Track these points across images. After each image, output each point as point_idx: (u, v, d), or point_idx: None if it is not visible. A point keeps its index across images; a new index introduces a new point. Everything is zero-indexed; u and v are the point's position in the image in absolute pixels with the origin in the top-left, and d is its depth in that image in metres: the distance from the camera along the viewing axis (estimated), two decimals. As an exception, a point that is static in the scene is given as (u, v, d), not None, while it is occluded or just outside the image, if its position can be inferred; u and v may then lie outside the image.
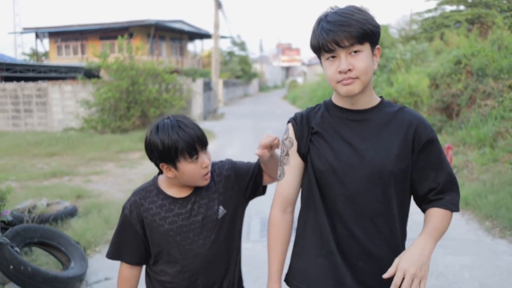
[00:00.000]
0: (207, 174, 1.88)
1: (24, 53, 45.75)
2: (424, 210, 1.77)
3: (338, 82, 1.65)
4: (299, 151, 1.80)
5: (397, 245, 1.75)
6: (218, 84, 24.28)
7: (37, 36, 38.71)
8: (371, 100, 1.74)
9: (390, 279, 1.62)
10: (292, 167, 1.81)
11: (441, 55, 15.97)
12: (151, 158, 1.88)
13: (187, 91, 16.48)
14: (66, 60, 37.48)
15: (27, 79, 18.71)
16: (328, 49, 1.62)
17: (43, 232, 4.21)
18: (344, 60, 1.62)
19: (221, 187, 1.98)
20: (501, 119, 9.28)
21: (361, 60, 1.63)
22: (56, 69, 22.74)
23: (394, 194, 1.70)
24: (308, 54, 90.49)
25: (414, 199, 1.80)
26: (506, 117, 9.05)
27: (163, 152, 1.80)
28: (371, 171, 1.67)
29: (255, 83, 51.73)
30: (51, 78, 21.47)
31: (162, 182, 1.94)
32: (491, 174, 6.96)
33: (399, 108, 1.76)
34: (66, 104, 15.91)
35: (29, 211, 5.19)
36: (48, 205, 5.62)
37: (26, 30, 39.13)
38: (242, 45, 46.91)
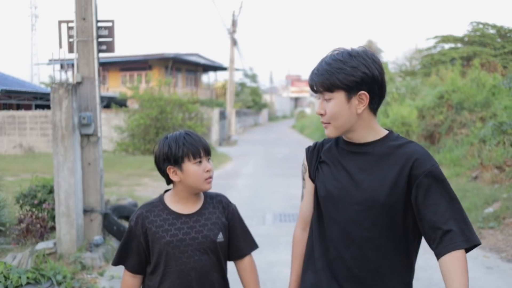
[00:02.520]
0: (209, 178, 2.02)
1: (42, 82, 48.42)
2: (436, 253, 1.68)
3: (321, 121, 1.82)
4: (310, 176, 1.93)
5: (391, 276, 1.76)
6: (232, 114, 26.52)
7: (61, 67, 41.11)
8: (371, 135, 1.79)
9: None
10: (308, 191, 1.95)
11: (431, 90, 18.02)
12: (158, 164, 2.03)
13: (207, 119, 18.73)
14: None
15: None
16: (313, 91, 1.79)
17: (129, 209, 6.31)
18: (320, 104, 1.79)
19: (223, 218, 2.10)
20: (470, 145, 11.29)
21: (329, 106, 1.74)
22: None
23: (385, 225, 1.73)
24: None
25: (424, 237, 1.74)
26: (473, 143, 11.05)
27: (170, 154, 1.98)
28: (363, 200, 1.73)
29: (265, 113, 54.08)
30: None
31: (168, 199, 2.07)
32: (452, 185, 8.94)
33: (405, 142, 1.78)
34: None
35: (106, 203, 7.26)
36: (117, 200, 7.68)
37: (52, 61, 41.62)
38: (253, 77, 49.46)
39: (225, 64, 39.47)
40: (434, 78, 24.09)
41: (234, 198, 8.69)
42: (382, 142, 1.79)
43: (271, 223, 7.48)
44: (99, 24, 5.79)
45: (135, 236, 2.02)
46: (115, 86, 37.66)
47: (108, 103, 20.04)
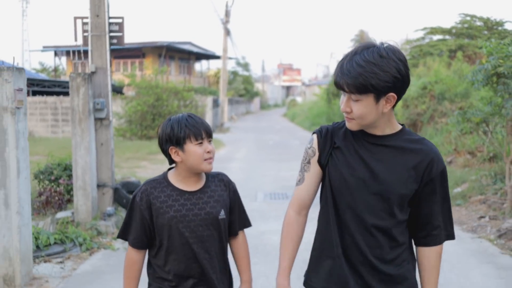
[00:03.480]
0: (209, 159, 2.07)
1: (34, 69, 48.76)
2: (419, 241, 1.91)
3: (345, 116, 1.83)
4: (319, 161, 1.92)
5: (400, 261, 1.87)
6: (224, 102, 27.26)
7: (55, 54, 41.58)
8: (389, 128, 1.85)
9: (392, 283, 1.86)
10: (312, 175, 1.94)
11: (416, 81, 18.85)
12: (161, 145, 2.10)
13: (201, 107, 19.47)
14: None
15: (52, 93, 21.59)
16: (338, 88, 1.80)
17: (136, 185, 7.07)
18: (345, 102, 1.79)
19: (226, 196, 2.17)
20: (447, 133, 12.11)
21: (357, 107, 1.76)
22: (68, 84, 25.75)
23: (396, 215, 1.82)
24: (308, 75, 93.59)
25: (411, 225, 1.90)
26: (450, 131, 11.88)
27: (172, 135, 2.04)
28: (381, 190, 1.79)
29: (256, 101, 54.80)
30: (66, 94, 24.43)
31: (172, 176, 2.13)
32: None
33: (419, 138, 1.86)
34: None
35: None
36: (122, 178, 8.42)
37: (46, 48, 42.03)
38: (245, 66, 50.07)
39: (218, 52, 40.08)
40: (422, 69, 24.90)
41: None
42: (398, 135, 1.85)
43: (262, 200, 8.27)
44: (111, 21, 6.50)
45: (139, 211, 2.07)
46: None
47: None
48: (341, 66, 1.76)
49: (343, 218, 1.86)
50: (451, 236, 1.91)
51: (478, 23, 27.76)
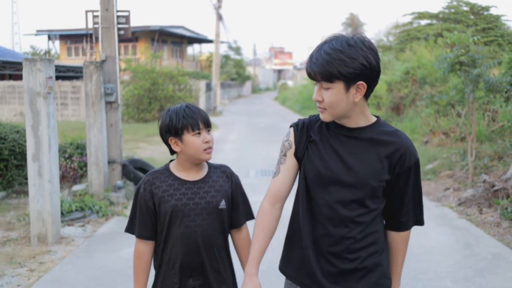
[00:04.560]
0: (208, 149, 2.11)
1: (26, 53, 49.00)
2: (389, 224, 1.97)
3: (318, 106, 1.86)
4: (296, 154, 1.94)
5: (373, 250, 1.89)
6: (217, 86, 27.99)
7: (49, 38, 41.88)
8: (363, 121, 1.86)
9: (364, 272, 1.89)
10: (287, 167, 1.95)
11: (400, 66, 19.67)
12: (162, 135, 2.15)
13: (195, 91, 20.23)
14: (76, 60, 40.39)
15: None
16: (310, 78, 1.83)
17: (141, 162, 7.90)
18: (317, 91, 1.82)
19: (227, 186, 2.20)
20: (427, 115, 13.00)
21: (328, 95, 1.78)
22: (73, 69, 26.38)
23: (369, 206, 1.85)
24: (300, 58, 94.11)
25: (385, 212, 1.94)
26: (429, 114, 12.77)
27: (171, 126, 2.09)
28: (354, 183, 1.81)
29: (248, 85, 55.44)
30: (69, 77, 25.08)
31: (173, 167, 2.18)
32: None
33: (393, 130, 1.87)
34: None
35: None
36: (126, 157, 9.22)
37: (39, 32, 42.25)
38: (237, 50, 50.65)
39: (210, 36, 40.61)
40: (408, 53, 25.67)
41: (222, 159, 10.43)
42: (372, 128, 1.86)
43: (254, 176, 9.14)
44: (118, 14, 7.26)
45: (144, 202, 2.12)
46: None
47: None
48: (311, 56, 1.80)
49: (316, 210, 1.88)
50: (419, 222, 1.97)
51: (465, 8, 28.38)
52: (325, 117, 1.84)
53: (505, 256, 4.88)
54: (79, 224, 5.87)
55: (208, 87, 25.18)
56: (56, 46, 43.34)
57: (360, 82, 1.76)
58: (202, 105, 23.09)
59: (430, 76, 15.39)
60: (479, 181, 7.10)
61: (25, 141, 7.08)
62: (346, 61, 1.72)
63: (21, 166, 7.33)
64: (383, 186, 1.85)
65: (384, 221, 1.98)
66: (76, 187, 6.98)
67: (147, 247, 2.15)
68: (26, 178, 7.47)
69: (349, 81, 1.75)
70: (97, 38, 7.41)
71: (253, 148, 13.13)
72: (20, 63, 21.83)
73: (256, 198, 7.29)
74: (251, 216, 2.27)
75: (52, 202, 5.13)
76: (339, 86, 1.76)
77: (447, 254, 4.92)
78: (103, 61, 7.11)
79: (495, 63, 7.00)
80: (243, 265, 2.22)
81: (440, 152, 9.76)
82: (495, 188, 6.48)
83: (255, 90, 61.41)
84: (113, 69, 7.19)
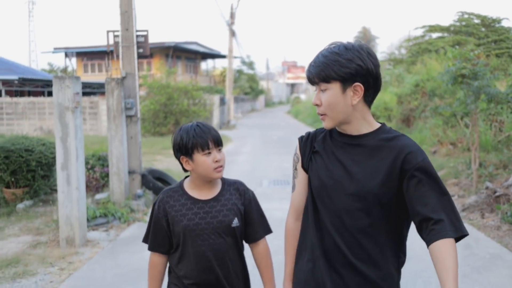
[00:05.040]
0: (218, 167, 2.13)
1: (42, 69, 50.16)
2: (427, 240, 1.72)
3: (318, 112, 1.87)
4: (303, 166, 1.97)
5: (386, 264, 1.83)
6: (230, 100, 28.51)
7: (66, 55, 42.89)
8: (365, 127, 1.84)
9: (372, 286, 1.82)
10: (300, 180, 1.99)
11: (410, 79, 19.98)
12: (175, 154, 2.18)
13: (209, 105, 20.74)
14: (92, 77, 41.24)
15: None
16: (310, 84, 1.86)
17: (159, 173, 8.33)
18: (316, 95, 1.84)
19: (240, 204, 2.21)
20: (435, 126, 13.30)
21: (325, 97, 1.79)
22: (89, 85, 27.13)
23: (377, 215, 1.79)
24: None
25: (416, 227, 1.79)
26: (436, 125, 13.08)
27: (182, 145, 2.12)
28: (357, 191, 1.78)
29: (261, 99, 56.03)
30: (86, 93, 25.78)
31: (187, 185, 2.22)
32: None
33: (396, 135, 1.83)
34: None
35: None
36: (144, 168, 9.66)
37: (57, 49, 43.30)
38: (250, 65, 51.31)
39: (223, 51, 41.27)
40: (419, 66, 25.98)
41: (236, 170, 10.83)
42: (375, 134, 1.84)
43: (267, 186, 9.51)
44: (138, 33, 7.75)
45: (158, 219, 2.17)
46: (118, 73, 39.47)
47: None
48: (311, 61, 1.85)
49: (323, 220, 1.86)
50: (459, 231, 1.69)
51: (476, 21, 28.54)
52: (326, 123, 1.85)
53: (502, 256, 5.18)
54: (103, 229, 6.28)
55: (222, 102, 25.71)
56: (73, 63, 44.38)
57: (357, 83, 1.77)
58: (216, 119, 23.60)
59: (439, 88, 15.68)
60: (483, 188, 7.39)
61: (51, 153, 7.57)
62: (342, 62, 1.75)
63: (47, 176, 7.80)
64: (390, 194, 1.78)
65: (424, 240, 1.75)
66: (99, 196, 7.41)
67: (160, 259, 2.22)
68: (52, 188, 7.96)
69: (345, 81, 1.77)
70: (117, 56, 7.88)
71: (266, 159, 13.51)
72: (39, 80, 22.61)
73: (269, 205, 7.64)
74: (268, 231, 2.28)
75: (79, 207, 5.55)
76: (335, 87, 1.78)
77: (448, 255, 5.24)
78: (123, 78, 7.58)
79: (496, 76, 7.32)
80: (262, 277, 2.27)
81: (447, 161, 10.05)
82: (497, 194, 6.78)
83: (268, 104, 61.98)
84: (133, 85, 7.65)
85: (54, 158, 7.69)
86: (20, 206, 7.27)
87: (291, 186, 2.08)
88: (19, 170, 7.32)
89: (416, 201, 1.74)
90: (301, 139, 2.00)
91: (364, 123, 1.85)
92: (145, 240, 2.27)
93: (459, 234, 1.68)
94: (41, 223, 6.56)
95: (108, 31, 7.82)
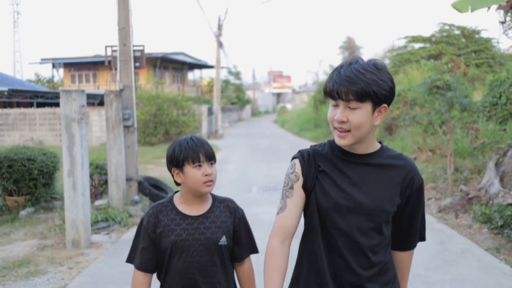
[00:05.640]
0: (208, 182, 2.11)
1: (29, 80, 50.24)
2: (394, 244, 1.96)
3: (335, 128, 1.79)
4: (304, 186, 1.87)
5: (389, 278, 1.90)
6: (218, 110, 29.00)
7: (53, 66, 43.07)
8: (371, 147, 1.86)
9: None
10: (295, 201, 1.87)
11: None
12: (167, 166, 2.19)
13: (198, 115, 21.22)
14: (79, 87, 41.42)
15: (57, 105, 23.22)
16: (332, 97, 1.77)
17: (155, 180, 8.78)
18: (341, 111, 1.75)
19: (229, 222, 2.20)
20: (416, 134, 13.92)
21: (356, 116, 1.73)
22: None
23: (385, 232, 1.85)
24: (298, 82, 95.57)
25: (393, 235, 1.94)
26: (417, 133, 13.69)
27: (174, 158, 2.13)
28: (372, 210, 1.79)
29: (248, 108, 56.60)
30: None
31: (177, 199, 2.21)
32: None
33: (397, 154, 1.89)
34: (103, 124, 20.40)
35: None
36: (141, 175, 10.09)
37: (44, 60, 43.47)
38: (237, 75, 51.94)
39: (210, 62, 41.81)
40: (402, 76, 26.70)
41: (226, 178, 11.31)
42: (379, 153, 1.86)
43: (256, 192, 9.99)
44: (134, 48, 8.22)
45: (146, 234, 2.14)
46: (106, 83, 39.79)
47: (101, 100, 22.27)
48: (339, 73, 1.75)
49: (334, 242, 1.83)
50: (423, 238, 2.00)
51: (456, 32, 29.35)
52: (346, 140, 1.78)
53: (472, 250, 5.73)
54: (105, 232, 6.72)
55: (210, 111, 26.20)
56: (60, 73, 44.57)
57: (384, 105, 1.78)
58: (204, 128, 24.07)
59: (420, 98, 16.34)
60: (457, 191, 7.96)
61: (51, 162, 7.99)
62: (379, 83, 1.72)
63: (48, 184, 8.20)
64: (394, 211, 1.85)
65: (391, 244, 1.96)
66: (98, 202, 7.84)
67: (145, 278, 2.17)
68: (52, 196, 8.36)
69: (377, 103, 1.75)
70: (115, 69, 8.34)
71: (254, 167, 14.00)
72: (28, 92, 22.82)
73: (259, 209, 8.13)
74: (254, 250, 2.28)
75: (84, 212, 5.98)
76: (367, 107, 1.74)
77: (423, 250, 5.75)
78: (121, 90, 8.04)
79: (466, 88, 7.91)
80: None
81: (426, 167, 10.63)
82: (470, 196, 7.34)
83: (255, 113, 62.58)
84: (130, 97, 8.12)
85: (54, 167, 8.13)
86: (22, 213, 7.67)
87: (279, 206, 1.92)
88: (21, 178, 7.72)
89: (406, 216, 1.91)
90: (302, 158, 1.90)
91: (372, 142, 1.86)
92: (130, 258, 2.20)
93: (422, 241, 2.02)
94: (44, 228, 6.96)
95: (106, 46, 8.27)
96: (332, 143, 1.91)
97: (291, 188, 1.90)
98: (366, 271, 1.83)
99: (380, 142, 1.91)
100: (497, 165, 7.74)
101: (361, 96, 1.71)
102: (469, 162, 9.73)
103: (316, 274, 1.86)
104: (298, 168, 1.89)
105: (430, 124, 8.33)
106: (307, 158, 1.89)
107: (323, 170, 1.86)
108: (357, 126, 1.74)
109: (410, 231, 1.94)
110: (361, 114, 1.73)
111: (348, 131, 1.76)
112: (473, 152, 10.58)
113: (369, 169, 1.84)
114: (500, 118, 11.48)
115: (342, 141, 1.79)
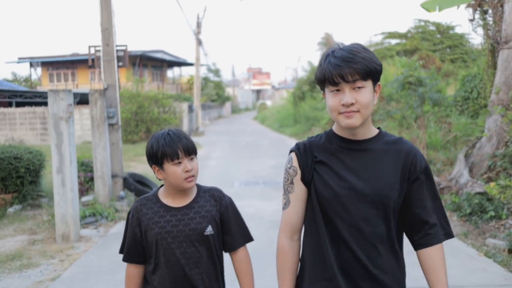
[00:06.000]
0: (189, 177, 2.07)
1: (5, 79, 49.70)
2: (419, 243, 1.83)
3: (340, 113, 1.73)
4: (303, 179, 1.85)
5: (400, 271, 1.84)
6: (198, 107, 29.21)
7: (31, 65, 42.68)
8: (370, 131, 1.82)
9: None
10: (297, 195, 1.87)
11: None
12: (148, 162, 2.16)
13: (179, 112, 21.43)
14: (58, 86, 41.09)
15: (36, 104, 23.19)
16: (334, 82, 1.71)
17: (139, 176, 9.02)
18: (348, 94, 1.70)
19: (215, 211, 2.15)
20: (393, 129, 14.35)
21: (363, 95, 1.71)
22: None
23: (390, 219, 1.79)
24: (278, 78, 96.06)
25: (405, 227, 1.86)
26: (391, 127, 14.12)
27: (152, 155, 2.09)
28: (374, 197, 1.75)
29: (228, 105, 56.85)
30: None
31: (161, 193, 2.18)
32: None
33: (397, 138, 1.86)
34: (84, 123, 20.47)
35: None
36: (125, 172, 10.30)
37: (21, 59, 43.07)
38: (216, 72, 52.16)
39: (189, 59, 41.89)
40: (378, 72, 27.15)
41: (208, 174, 11.63)
42: (378, 138, 1.83)
43: (238, 187, 10.30)
44: (117, 48, 8.44)
45: (131, 228, 2.15)
46: (85, 82, 39.59)
47: (80, 99, 22.29)
48: (334, 57, 1.73)
49: (338, 233, 1.79)
50: (449, 235, 1.86)
51: (431, 28, 29.92)
52: (355, 119, 1.73)
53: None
54: (93, 227, 6.95)
55: (190, 109, 26.40)
56: (38, 72, 44.19)
57: (378, 83, 1.79)
58: (185, 126, 24.27)
59: (395, 94, 16.82)
60: (430, 182, 8.37)
61: (37, 160, 8.17)
62: (374, 60, 1.73)
63: (34, 182, 8.38)
64: (401, 197, 1.81)
65: (413, 243, 1.87)
66: (85, 198, 8.05)
67: (136, 270, 2.19)
68: (39, 194, 8.54)
69: (376, 81, 1.76)
70: (98, 68, 8.54)
71: (236, 163, 14.30)
72: (7, 91, 22.72)
73: (242, 203, 8.49)
74: (248, 239, 2.24)
75: (73, 207, 6.21)
76: (370, 86, 1.74)
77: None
78: (105, 89, 8.25)
79: (437, 83, 8.32)
80: (242, 285, 2.22)
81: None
82: (441, 186, 7.75)
83: (235, 110, 62.83)
84: (114, 96, 8.33)
85: (40, 165, 8.31)
86: (10, 210, 7.84)
87: (283, 202, 1.92)
88: (8, 176, 7.89)
89: (416, 203, 1.82)
90: (298, 150, 1.89)
91: (370, 126, 1.84)
92: (121, 249, 2.24)
93: (449, 238, 1.85)
94: (33, 224, 7.16)
95: (90, 46, 8.48)
96: (329, 133, 1.89)
97: (292, 183, 1.89)
98: (373, 260, 1.78)
99: (379, 128, 1.89)
100: (467, 156, 8.16)
101: (365, 74, 1.71)
102: (442, 154, 10.16)
103: (323, 268, 1.83)
104: (295, 162, 1.88)
105: (403, 118, 8.70)
106: (303, 150, 1.88)
107: (321, 160, 1.84)
108: (365, 105, 1.72)
109: (427, 221, 1.83)
110: (367, 93, 1.73)
111: (358, 111, 1.73)
112: (446, 145, 11.03)
113: (369, 154, 1.81)
114: (472, 112, 11.96)
115: (351, 121, 1.73)
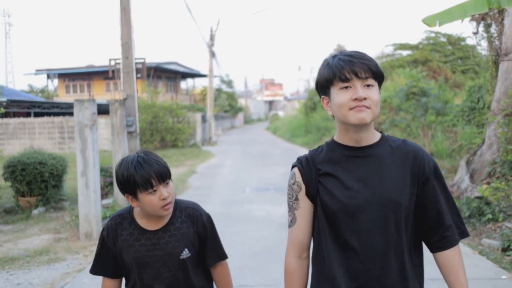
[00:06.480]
0: (166, 205, 1.97)
1: (23, 90, 50.78)
2: (436, 246, 1.76)
3: (351, 109, 1.66)
4: (308, 194, 1.79)
5: (411, 277, 1.75)
6: (211, 118, 29.78)
7: (48, 76, 43.69)
8: (374, 136, 1.76)
9: None
10: (303, 212, 1.81)
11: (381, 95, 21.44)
12: (120, 190, 2.01)
13: (192, 122, 22.02)
14: (74, 97, 41.92)
15: (53, 114, 23.94)
16: (345, 78, 1.66)
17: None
18: (360, 89, 1.65)
19: (192, 232, 2.07)
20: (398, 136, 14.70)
21: (374, 93, 1.67)
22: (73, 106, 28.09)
23: (404, 226, 1.71)
24: (290, 89, 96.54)
25: (420, 230, 1.78)
26: (398, 136, 14.50)
27: (123, 184, 1.96)
28: (384, 205, 1.68)
29: (240, 116, 57.44)
30: (71, 113, 26.82)
31: (137, 212, 2.07)
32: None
33: (401, 141, 1.80)
34: (100, 132, 21.09)
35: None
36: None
37: (39, 71, 44.11)
38: (229, 83, 52.84)
39: (203, 71, 42.65)
40: (389, 83, 27.54)
41: (221, 181, 12.12)
42: (382, 143, 1.77)
43: (250, 192, 10.73)
44: (136, 61, 8.97)
45: (107, 246, 2.08)
46: (100, 93, 40.46)
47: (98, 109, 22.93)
48: (340, 59, 1.71)
49: (349, 246, 1.72)
50: (464, 233, 1.81)
51: (442, 39, 30.14)
52: (367, 115, 1.66)
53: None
54: (113, 227, 7.41)
55: (203, 119, 26.98)
56: (54, 84, 45.17)
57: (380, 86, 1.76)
58: (198, 136, 24.84)
59: (404, 104, 17.19)
60: (433, 188, 8.72)
61: (61, 165, 8.69)
62: (378, 64, 1.72)
63: (57, 186, 8.89)
64: (413, 201, 1.73)
65: (429, 246, 1.80)
66: (105, 201, 8.54)
67: (113, 283, 2.14)
68: (61, 198, 9.06)
69: (381, 82, 1.74)
70: (115, 79, 9.06)
71: (248, 171, 14.75)
72: (26, 102, 23.48)
73: (253, 207, 8.95)
74: (222, 257, 2.19)
75: (96, 207, 6.69)
76: (377, 87, 1.72)
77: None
78: (125, 99, 8.77)
79: (441, 93, 8.72)
80: None
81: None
82: (443, 191, 8.11)
83: (247, 121, 63.41)
84: (133, 105, 8.85)
85: (63, 170, 8.83)
86: (35, 212, 8.36)
87: (289, 219, 1.86)
88: (33, 180, 8.42)
89: (430, 206, 1.75)
90: (300, 165, 1.84)
91: (373, 130, 1.79)
92: (93, 270, 2.14)
93: (464, 237, 1.79)
94: (57, 224, 7.66)
95: (110, 59, 9.03)
96: (330, 144, 1.84)
97: (296, 199, 1.83)
98: (386, 272, 1.71)
99: (381, 132, 1.82)
100: (468, 163, 8.52)
101: (376, 73, 1.69)
102: (447, 162, 10.52)
103: (329, 283, 1.76)
104: (299, 177, 1.82)
105: (408, 127, 9.07)
106: (305, 164, 1.82)
107: (325, 172, 1.77)
108: (376, 103, 1.68)
109: (443, 223, 1.76)
110: (377, 92, 1.70)
111: (370, 108, 1.67)
112: (452, 153, 11.39)
113: (374, 160, 1.74)
114: (478, 122, 12.32)
115: (363, 114, 1.66)
